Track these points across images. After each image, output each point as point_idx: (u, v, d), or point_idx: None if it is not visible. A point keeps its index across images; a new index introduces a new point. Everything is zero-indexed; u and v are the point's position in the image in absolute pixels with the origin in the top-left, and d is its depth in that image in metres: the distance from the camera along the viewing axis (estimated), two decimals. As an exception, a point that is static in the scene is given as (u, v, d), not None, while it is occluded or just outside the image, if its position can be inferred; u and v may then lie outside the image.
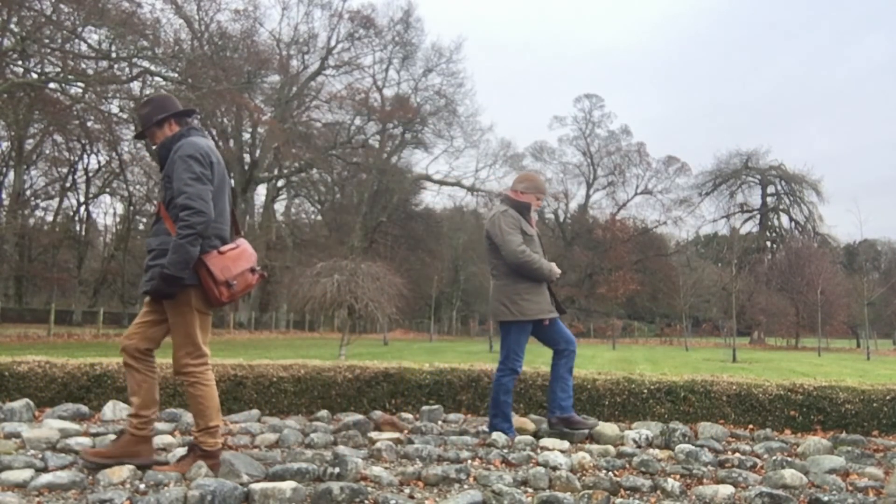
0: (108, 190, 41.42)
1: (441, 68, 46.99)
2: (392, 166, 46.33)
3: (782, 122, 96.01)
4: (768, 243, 53.90)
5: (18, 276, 38.65)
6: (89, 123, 27.17)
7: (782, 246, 50.23)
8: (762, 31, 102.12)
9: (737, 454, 4.25)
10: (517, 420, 4.87)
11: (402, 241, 46.43)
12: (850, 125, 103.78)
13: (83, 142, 33.40)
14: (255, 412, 5.06)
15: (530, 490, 3.39)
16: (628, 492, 3.46)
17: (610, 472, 3.79)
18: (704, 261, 50.55)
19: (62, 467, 3.47)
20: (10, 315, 33.47)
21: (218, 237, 3.54)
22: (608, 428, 4.66)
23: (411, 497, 3.24)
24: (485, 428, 4.83)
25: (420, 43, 46.48)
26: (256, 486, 3.10)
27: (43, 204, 40.94)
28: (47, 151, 35.94)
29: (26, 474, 3.21)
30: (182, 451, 3.77)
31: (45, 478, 3.16)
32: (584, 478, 3.62)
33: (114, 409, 4.83)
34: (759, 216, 54.12)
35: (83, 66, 23.19)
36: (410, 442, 4.30)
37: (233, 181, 40.41)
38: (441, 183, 50.81)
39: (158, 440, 4.10)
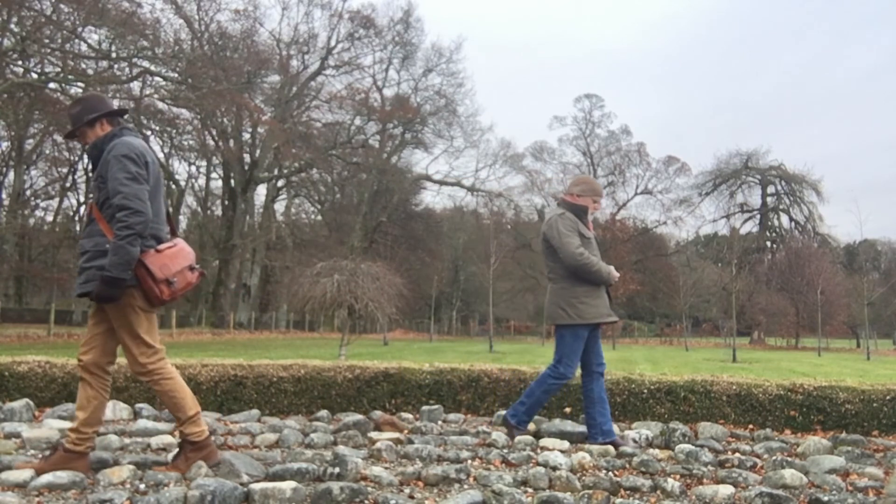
0: (107, 190, 41.34)
1: (441, 68, 47.05)
2: (392, 166, 46.33)
3: (782, 122, 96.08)
4: (768, 243, 53.90)
5: (18, 276, 38.66)
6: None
7: (782, 246, 50.24)
8: (762, 31, 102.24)
9: (737, 454, 4.25)
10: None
11: (402, 241, 46.43)
12: (850, 125, 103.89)
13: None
14: (255, 412, 5.07)
15: (530, 490, 3.39)
16: (628, 492, 3.45)
17: (610, 472, 3.79)
18: (704, 261, 50.51)
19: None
20: (10, 315, 33.49)
21: (154, 237, 3.47)
22: (608, 428, 4.66)
23: (411, 497, 3.24)
24: (485, 428, 4.83)
25: (420, 43, 46.54)
26: (256, 486, 3.09)
27: (43, 204, 40.95)
28: (47, 151, 35.91)
29: (26, 474, 3.21)
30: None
31: (45, 478, 3.15)
32: (584, 478, 3.61)
33: (114, 410, 4.83)
34: (759, 216, 54.10)
35: (83, 66, 23.22)
36: (410, 442, 4.30)
37: (233, 181, 40.49)
38: (441, 183, 50.85)
39: (158, 440, 4.11)
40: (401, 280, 17.97)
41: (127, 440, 4.14)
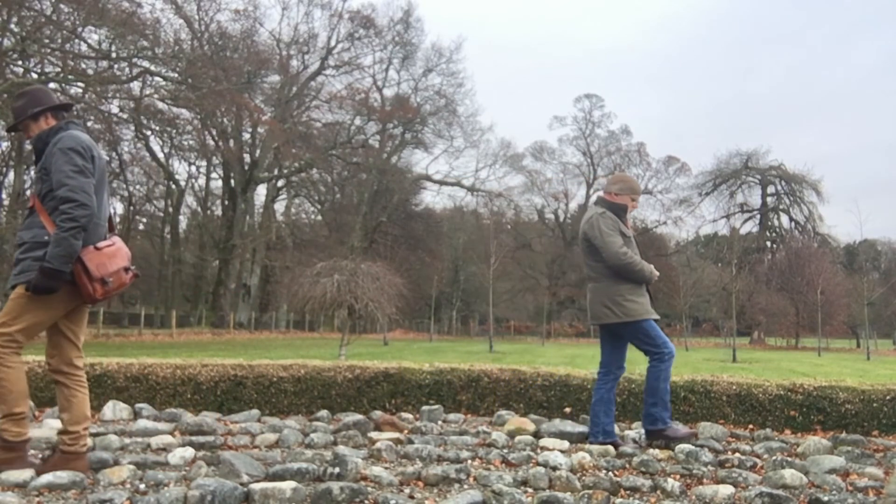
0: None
1: (441, 68, 47.09)
2: (392, 166, 46.35)
3: (782, 122, 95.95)
4: (768, 243, 53.91)
5: (18, 276, 38.59)
6: (89, 123, 27.11)
7: (782, 246, 50.24)
8: (762, 31, 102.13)
9: (737, 454, 4.25)
10: (517, 420, 4.87)
11: (402, 241, 46.42)
12: (849, 125, 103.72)
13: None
14: (255, 412, 5.07)
15: (530, 490, 3.39)
16: (628, 492, 3.45)
17: (610, 472, 3.79)
18: (704, 261, 50.47)
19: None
20: (10, 315, 33.42)
21: (94, 234, 3.42)
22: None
23: (411, 497, 3.24)
24: (485, 428, 4.82)
25: (420, 43, 46.58)
26: (256, 486, 3.10)
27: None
28: (47, 151, 35.92)
29: (26, 474, 3.21)
30: (182, 451, 3.77)
31: (46, 478, 3.15)
32: (584, 478, 3.61)
33: (114, 410, 4.83)
34: (759, 216, 54.12)
35: (83, 66, 23.22)
36: (410, 442, 4.30)
37: (233, 181, 40.50)
38: (441, 183, 50.87)
39: (158, 440, 4.11)
40: (401, 280, 17.99)
41: (127, 440, 4.13)
